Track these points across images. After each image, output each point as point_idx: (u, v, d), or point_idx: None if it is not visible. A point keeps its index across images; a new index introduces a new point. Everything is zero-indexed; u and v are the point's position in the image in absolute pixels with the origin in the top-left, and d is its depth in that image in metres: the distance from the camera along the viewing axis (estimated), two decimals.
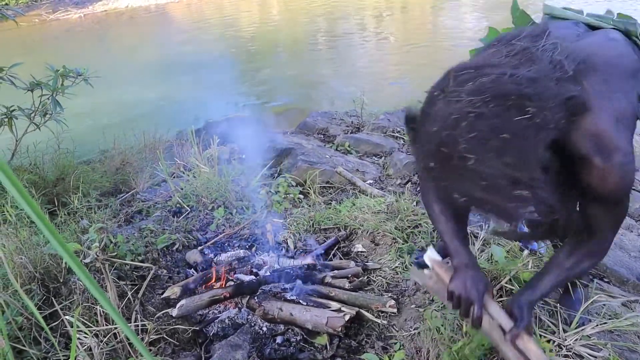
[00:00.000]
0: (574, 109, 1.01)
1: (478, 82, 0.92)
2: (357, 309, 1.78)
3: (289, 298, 1.91)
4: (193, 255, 2.21)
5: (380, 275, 2.00)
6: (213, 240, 2.35)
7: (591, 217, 1.23)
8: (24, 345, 1.57)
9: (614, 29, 1.33)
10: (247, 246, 2.34)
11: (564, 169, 1.09)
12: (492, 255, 1.79)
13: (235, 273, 2.07)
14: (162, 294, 1.94)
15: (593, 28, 1.34)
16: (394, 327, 1.73)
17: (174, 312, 1.80)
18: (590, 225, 1.24)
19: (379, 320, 1.75)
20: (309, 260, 2.16)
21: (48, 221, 0.43)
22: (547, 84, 0.95)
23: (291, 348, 1.69)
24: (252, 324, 1.80)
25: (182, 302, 1.83)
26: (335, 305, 1.80)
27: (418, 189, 3.10)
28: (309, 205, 2.64)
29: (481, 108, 0.89)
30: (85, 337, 1.52)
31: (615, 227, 1.27)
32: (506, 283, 1.67)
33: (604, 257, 1.38)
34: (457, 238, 1.41)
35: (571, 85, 1.00)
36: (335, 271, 2.06)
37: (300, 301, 1.87)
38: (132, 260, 2.08)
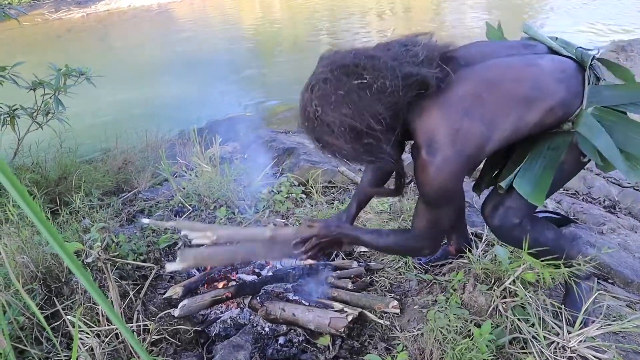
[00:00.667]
0: (415, 85, 1.23)
1: (331, 58, 1.27)
2: (359, 309, 1.77)
3: (291, 298, 1.90)
4: None
5: (383, 276, 1.99)
6: None
7: (416, 208, 1.44)
8: (25, 345, 1.57)
9: (568, 57, 1.42)
10: None
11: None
12: (495, 255, 1.78)
13: (237, 273, 2.06)
14: (164, 294, 1.93)
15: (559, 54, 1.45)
16: (397, 328, 1.72)
17: (176, 312, 1.79)
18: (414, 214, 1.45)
19: (382, 321, 1.74)
20: (311, 260, 2.15)
21: (48, 222, 0.43)
22: (387, 62, 1.22)
23: (293, 349, 1.68)
24: (255, 324, 1.79)
25: (184, 302, 1.82)
26: (338, 305, 1.80)
27: None
28: (312, 205, 2.63)
29: (327, 74, 1.22)
30: (87, 337, 1.51)
31: (426, 229, 1.41)
32: (510, 284, 1.66)
33: (411, 253, 1.67)
34: (355, 198, 1.80)
35: (415, 67, 1.23)
36: (338, 271, 2.05)
37: (303, 301, 1.86)
38: (134, 260, 2.07)
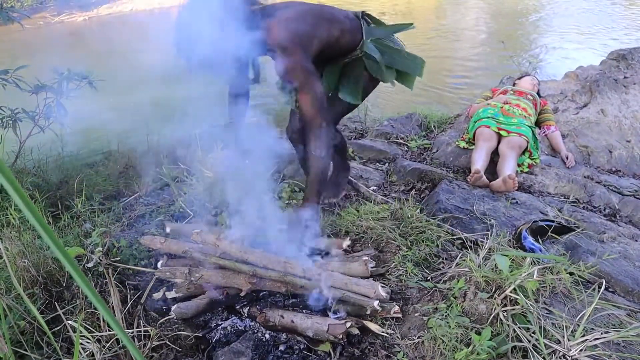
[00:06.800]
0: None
1: None
2: (361, 321, 1.77)
3: (290, 305, 1.91)
4: None
5: (384, 283, 1.99)
6: None
7: (300, 111, 2.01)
8: (26, 350, 1.57)
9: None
10: None
11: None
12: (496, 264, 1.78)
13: None
14: (160, 297, 1.94)
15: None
16: (398, 335, 1.72)
17: (172, 313, 1.80)
18: (303, 117, 2.02)
19: (383, 333, 1.73)
20: None
21: (49, 229, 0.43)
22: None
23: (294, 356, 1.68)
24: (255, 331, 1.79)
25: (179, 304, 1.84)
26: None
27: (421, 195, 3.09)
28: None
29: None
30: (87, 342, 1.51)
31: (314, 108, 1.95)
32: (511, 292, 1.66)
33: (324, 141, 2.00)
34: None
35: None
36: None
37: (302, 308, 1.87)
38: (134, 265, 2.07)
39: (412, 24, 2.27)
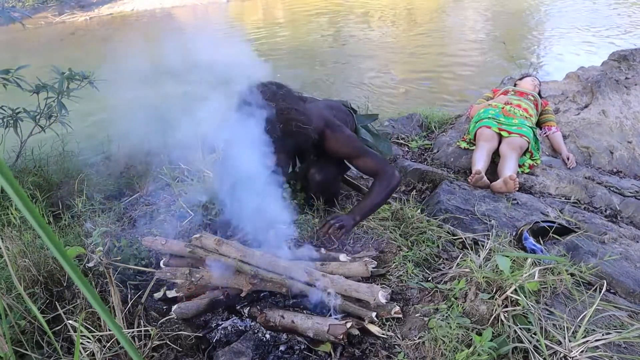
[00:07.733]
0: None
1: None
2: (362, 322, 1.76)
3: (290, 305, 1.90)
4: None
5: (385, 283, 1.99)
6: None
7: (363, 169, 2.29)
8: (26, 350, 1.57)
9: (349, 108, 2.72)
10: None
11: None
12: (497, 265, 1.78)
13: None
14: (161, 297, 1.94)
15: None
16: (399, 336, 1.72)
17: (172, 313, 1.80)
18: (369, 173, 2.26)
19: (383, 335, 1.73)
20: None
21: (50, 229, 0.43)
22: (291, 102, 2.07)
23: (294, 356, 1.67)
24: (255, 331, 1.79)
25: (180, 304, 1.84)
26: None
27: (422, 195, 3.09)
28: (313, 212, 2.63)
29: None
30: (88, 342, 1.51)
31: (379, 161, 2.20)
32: (512, 293, 1.66)
33: (396, 181, 2.20)
34: None
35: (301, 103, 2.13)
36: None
37: (304, 307, 1.86)
38: (135, 265, 2.07)
39: (377, 115, 3.01)
